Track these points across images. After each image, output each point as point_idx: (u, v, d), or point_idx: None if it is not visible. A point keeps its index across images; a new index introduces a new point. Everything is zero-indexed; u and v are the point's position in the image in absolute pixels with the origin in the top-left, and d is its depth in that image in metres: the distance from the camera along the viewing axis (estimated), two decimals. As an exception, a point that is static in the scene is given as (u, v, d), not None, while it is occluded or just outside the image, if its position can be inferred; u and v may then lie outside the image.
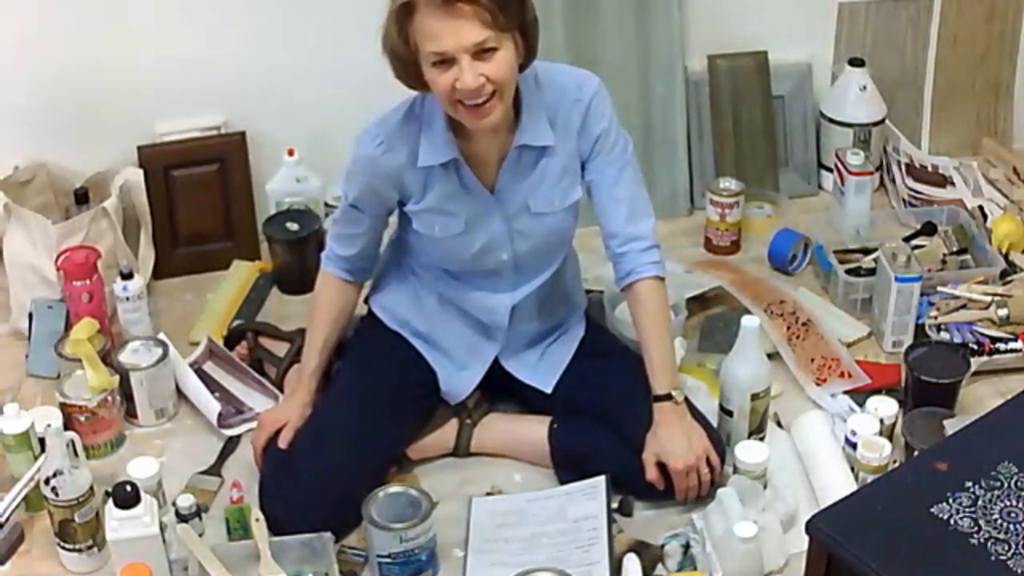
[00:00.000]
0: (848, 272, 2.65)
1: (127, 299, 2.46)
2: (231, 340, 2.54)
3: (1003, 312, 2.48)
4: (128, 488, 1.94)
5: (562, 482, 2.19)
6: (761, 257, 2.81)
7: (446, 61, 1.91)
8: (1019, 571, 1.67)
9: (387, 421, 2.18)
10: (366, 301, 2.34)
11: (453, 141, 2.06)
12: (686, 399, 2.16)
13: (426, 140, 2.06)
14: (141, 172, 2.68)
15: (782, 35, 3.01)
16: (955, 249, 2.72)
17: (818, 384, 2.41)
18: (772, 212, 2.97)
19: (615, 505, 2.13)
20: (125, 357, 2.36)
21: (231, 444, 2.32)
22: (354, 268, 2.26)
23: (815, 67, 3.07)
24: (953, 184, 2.96)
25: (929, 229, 2.78)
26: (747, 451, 2.13)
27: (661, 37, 2.89)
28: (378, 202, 2.16)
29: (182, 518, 1.99)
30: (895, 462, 2.18)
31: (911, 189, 2.98)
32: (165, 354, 2.36)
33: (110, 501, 1.95)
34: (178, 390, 2.39)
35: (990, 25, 3.04)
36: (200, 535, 1.99)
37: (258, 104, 2.79)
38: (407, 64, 1.97)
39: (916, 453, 2.16)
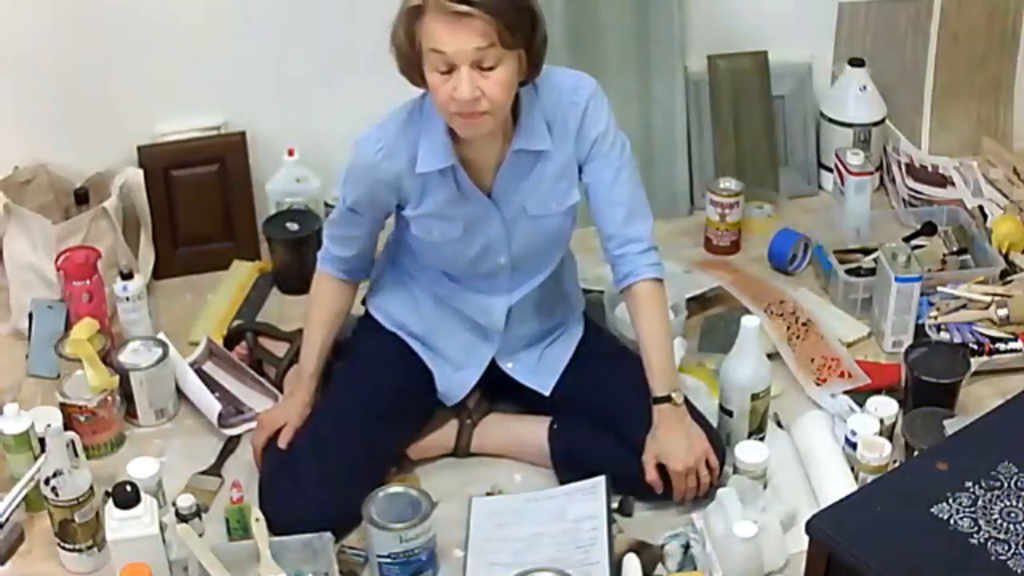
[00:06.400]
0: (848, 272, 2.65)
1: (127, 299, 2.46)
2: (231, 340, 2.54)
3: (1003, 312, 2.48)
4: (128, 488, 1.94)
5: (562, 482, 2.19)
6: (761, 257, 2.81)
7: (448, 71, 1.91)
8: (1019, 571, 1.67)
9: (386, 421, 2.18)
10: (364, 302, 2.35)
11: (451, 146, 2.05)
12: (686, 400, 2.16)
13: (425, 146, 2.06)
14: (141, 172, 2.68)
15: (782, 35, 3.01)
16: (955, 249, 2.72)
17: (818, 384, 2.41)
18: (772, 212, 2.97)
19: (615, 505, 2.13)
20: (125, 357, 2.36)
21: (231, 444, 2.32)
22: (350, 268, 2.26)
23: (815, 67, 3.07)
24: (953, 184, 2.96)
25: (929, 229, 2.78)
26: (747, 451, 2.13)
27: (661, 37, 2.89)
28: (376, 206, 2.16)
29: (182, 518, 1.99)
30: (895, 462, 2.18)
31: (911, 189, 2.97)
32: (165, 354, 2.36)
33: (110, 501, 1.95)
34: (178, 390, 2.39)
35: (990, 25, 3.03)
36: (200, 535, 1.98)
37: (258, 104, 2.79)
38: (411, 63, 1.98)
39: (916, 453, 2.16)
